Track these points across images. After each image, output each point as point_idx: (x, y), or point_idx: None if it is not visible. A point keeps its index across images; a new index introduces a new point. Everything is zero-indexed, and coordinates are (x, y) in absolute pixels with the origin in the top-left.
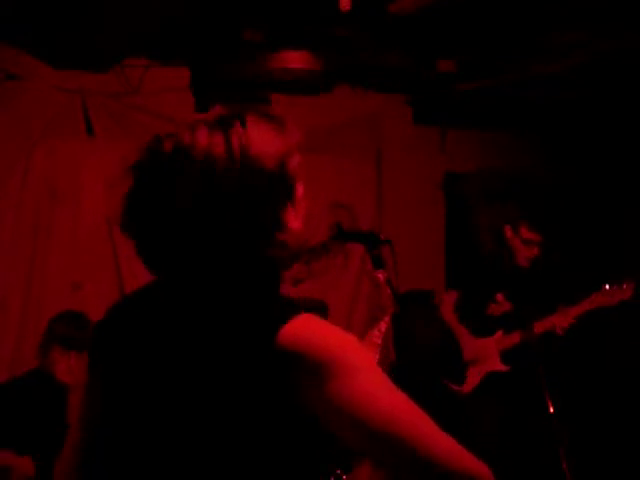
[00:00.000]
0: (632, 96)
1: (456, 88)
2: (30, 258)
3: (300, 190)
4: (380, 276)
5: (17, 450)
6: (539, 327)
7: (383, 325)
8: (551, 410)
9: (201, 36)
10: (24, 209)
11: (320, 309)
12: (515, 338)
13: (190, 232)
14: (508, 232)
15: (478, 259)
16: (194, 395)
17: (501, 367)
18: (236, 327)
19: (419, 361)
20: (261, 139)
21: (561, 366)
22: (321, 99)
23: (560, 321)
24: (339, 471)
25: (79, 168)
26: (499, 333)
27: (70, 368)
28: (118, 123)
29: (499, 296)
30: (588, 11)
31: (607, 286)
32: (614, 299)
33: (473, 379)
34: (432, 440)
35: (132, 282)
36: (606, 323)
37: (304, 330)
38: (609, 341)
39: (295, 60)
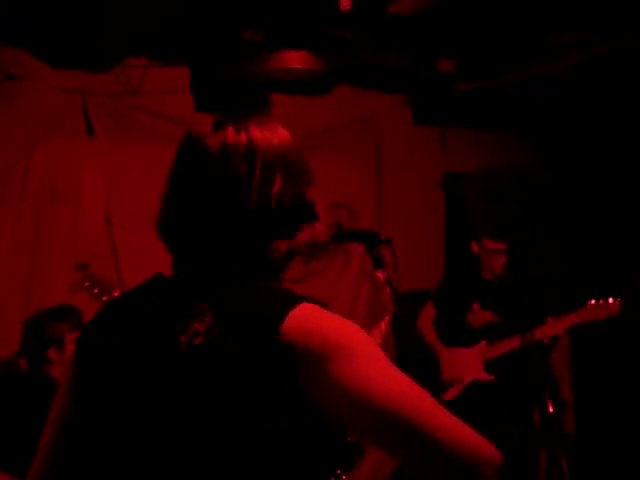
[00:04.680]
0: (632, 96)
1: (456, 88)
2: (30, 258)
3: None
4: (380, 276)
5: (14, 457)
6: (528, 337)
7: (383, 325)
8: (550, 410)
9: (201, 36)
10: (24, 209)
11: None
12: (501, 348)
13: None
14: (474, 247)
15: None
16: (197, 388)
17: (485, 376)
18: (241, 317)
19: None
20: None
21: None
22: (321, 99)
23: (547, 332)
24: (339, 471)
25: (79, 168)
26: (482, 343)
27: None
28: (118, 123)
29: (475, 306)
30: (588, 11)
31: (593, 301)
32: (601, 314)
33: (455, 388)
34: (439, 421)
35: (132, 281)
36: (594, 336)
37: (307, 318)
38: (597, 352)
39: (295, 60)
